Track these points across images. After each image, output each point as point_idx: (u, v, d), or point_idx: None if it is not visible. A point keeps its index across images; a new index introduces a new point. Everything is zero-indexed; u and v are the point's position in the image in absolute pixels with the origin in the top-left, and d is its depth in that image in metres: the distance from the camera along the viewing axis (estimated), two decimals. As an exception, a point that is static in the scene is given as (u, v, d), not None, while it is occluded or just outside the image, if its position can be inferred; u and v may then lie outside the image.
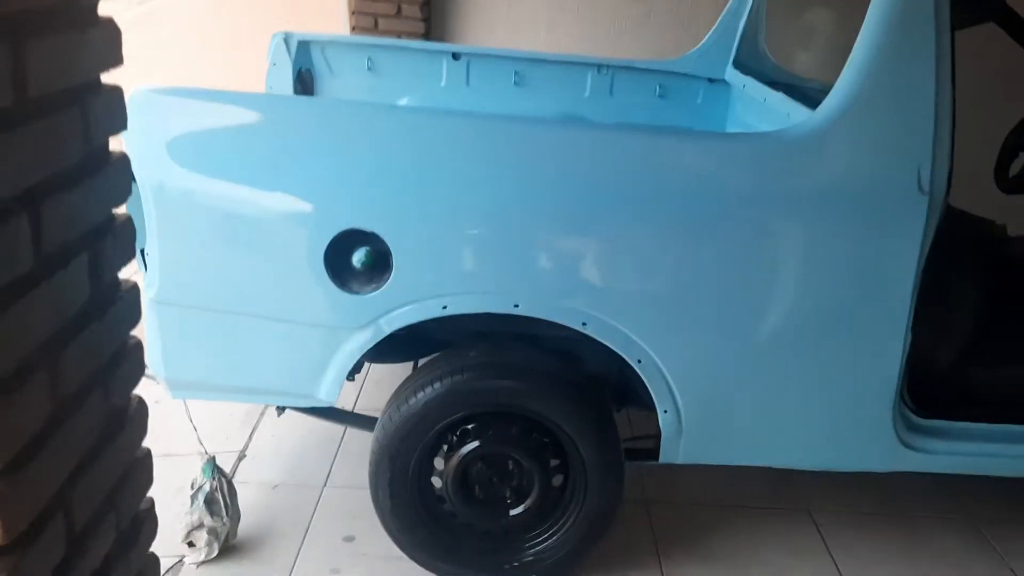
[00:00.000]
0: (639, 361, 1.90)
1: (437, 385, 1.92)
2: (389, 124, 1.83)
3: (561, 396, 1.95)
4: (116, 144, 0.97)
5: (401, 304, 1.84)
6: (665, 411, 1.96)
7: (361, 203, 1.79)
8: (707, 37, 3.09)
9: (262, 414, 2.77)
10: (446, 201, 1.79)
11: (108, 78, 0.92)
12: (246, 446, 2.63)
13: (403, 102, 3.15)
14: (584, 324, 1.86)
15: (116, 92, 0.94)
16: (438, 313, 1.84)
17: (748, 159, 1.83)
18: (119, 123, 0.95)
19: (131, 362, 0.99)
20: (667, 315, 1.88)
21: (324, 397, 1.95)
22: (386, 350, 2.19)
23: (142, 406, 1.01)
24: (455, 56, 3.09)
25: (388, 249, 1.79)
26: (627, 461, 2.13)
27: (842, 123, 1.82)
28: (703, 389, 1.96)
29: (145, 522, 1.05)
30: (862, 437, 2.02)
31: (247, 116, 1.83)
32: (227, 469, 2.48)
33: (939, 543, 2.39)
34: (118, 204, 0.96)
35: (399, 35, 3.93)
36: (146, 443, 1.04)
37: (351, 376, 2.28)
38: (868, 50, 1.81)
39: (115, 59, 0.92)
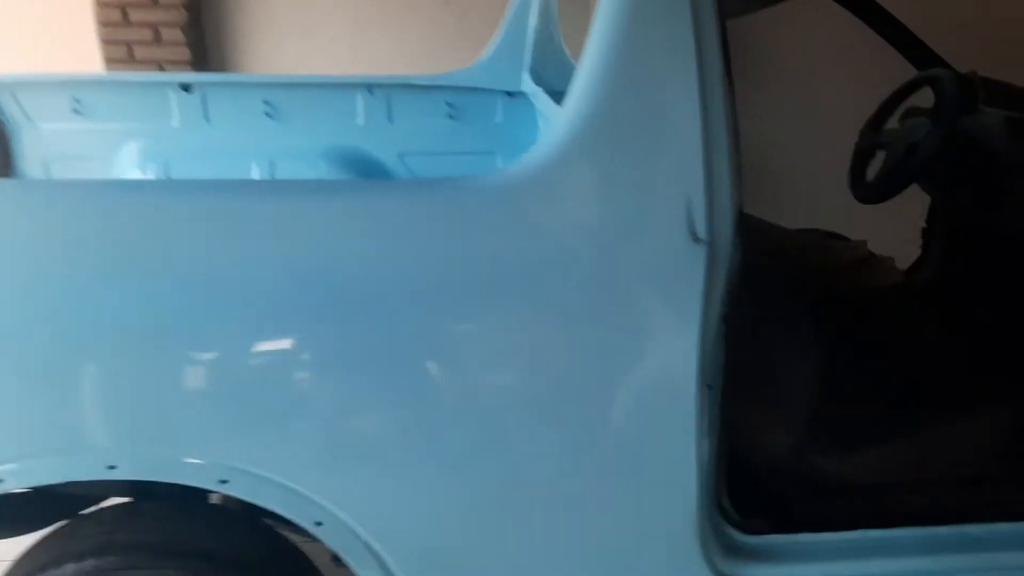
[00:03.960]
0: (319, 524, 1.30)
1: (24, 588, 1.29)
2: None
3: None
4: None
5: (-71, 481, 1.20)
6: (375, 583, 1.36)
7: None
8: (494, 41, 2.54)
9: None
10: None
11: None
12: None
13: (129, 149, 2.53)
14: (224, 482, 1.25)
15: None
16: (-10, 489, 1.21)
17: (438, 220, 1.24)
18: None
19: None
20: (350, 455, 1.28)
21: None
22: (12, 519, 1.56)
23: None
24: (185, 87, 2.47)
25: None
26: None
27: (571, 159, 1.25)
28: (426, 547, 1.36)
29: None
30: (660, 574, 1.45)
31: None
32: None
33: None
34: None
35: (160, 65, 3.30)
36: None
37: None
38: (599, 60, 1.25)
39: None
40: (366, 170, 2.59)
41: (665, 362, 1.32)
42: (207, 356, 1.21)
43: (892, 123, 2.33)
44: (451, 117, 2.60)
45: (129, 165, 2.51)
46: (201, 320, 1.19)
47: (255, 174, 2.50)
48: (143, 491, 1.44)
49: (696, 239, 1.27)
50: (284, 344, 1.22)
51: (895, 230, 2.49)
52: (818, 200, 3.07)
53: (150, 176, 2.49)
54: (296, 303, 1.21)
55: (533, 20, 2.45)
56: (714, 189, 1.28)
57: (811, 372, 1.60)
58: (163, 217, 1.19)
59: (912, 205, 2.40)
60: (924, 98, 2.20)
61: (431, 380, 1.26)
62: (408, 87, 2.56)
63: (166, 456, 1.23)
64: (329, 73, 3.56)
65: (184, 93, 2.46)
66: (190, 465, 1.23)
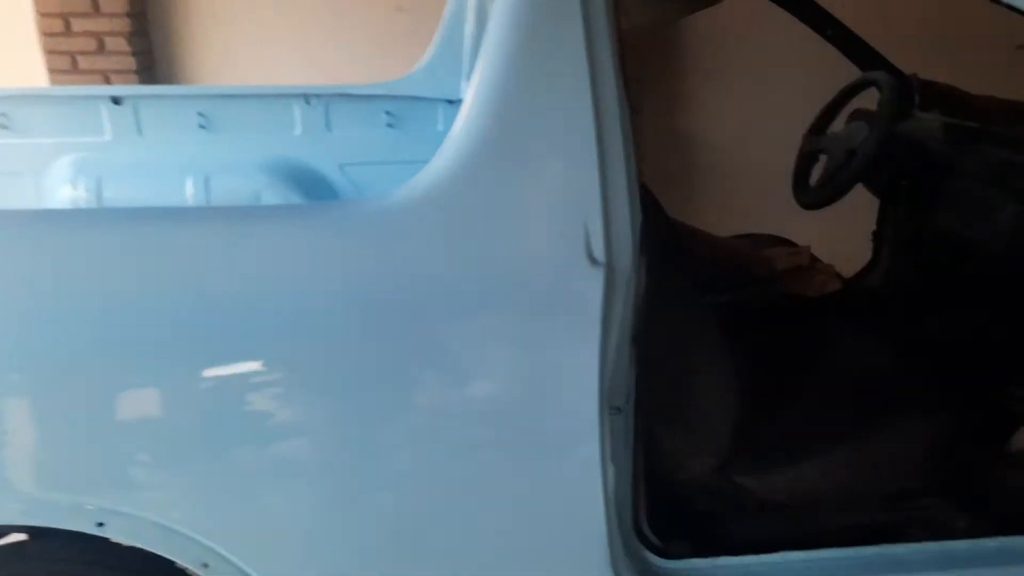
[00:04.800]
0: (205, 566, 1.25)
1: None
2: None
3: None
4: None
5: None
6: (272, 622, 1.31)
7: None
8: (431, 48, 2.49)
9: None
10: None
11: None
12: None
13: (64, 163, 2.47)
14: (101, 525, 1.20)
15: None
16: None
17: (319, 248, 1.20)
18: None
19: None
20: (233, 493, 1.23)
21: None
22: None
23: None
24: (116, 100, 2.41)
25: None
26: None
27: (461, 183, 1.21)
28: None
29: None
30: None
31: None
32: None
33: None
34: None
35: (105, 76, 3.24)
36: None
37: None
38: (489, 80, 1.21)
39: None
40: (305, 182, 2.54)
41: (565, 387, 1.27)
42: (77, 395, 1.16)
43: (839, 126, 2.29)
44: (391, 126, 2.55)
45: (60, 180, 2.46)
46: (68, 358, 1.14)
47: (190, 188, 2.44)
48: (39, 528, 1.39)
49: (593, 261, 1.22)
50: (159, 380, 1.17)
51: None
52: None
53: (82, 191, 2.44)
54: (170, 338, 1.16)
55: (469, 26, 2.40)
56: (612, 210, 1.24)
57: (732, 387, 1.56)
58: (25, 251, 1.14)
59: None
60: (874, 100, 2.16)
61: (317, 414, 1.22)
62: (346, 96, 2.51)
63: (38, 499, 1.18)
64: (281, 80, 3.51)
65: (115, 106, 2.41)
66: (64, 508, 1.18)
